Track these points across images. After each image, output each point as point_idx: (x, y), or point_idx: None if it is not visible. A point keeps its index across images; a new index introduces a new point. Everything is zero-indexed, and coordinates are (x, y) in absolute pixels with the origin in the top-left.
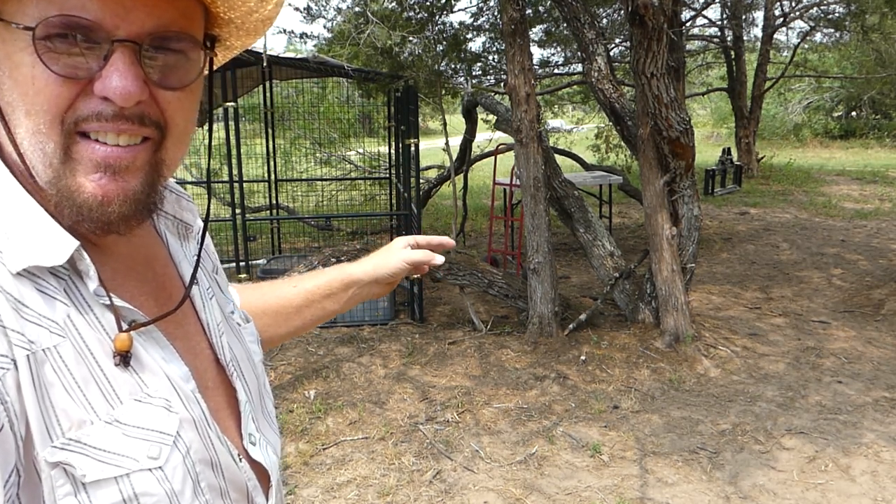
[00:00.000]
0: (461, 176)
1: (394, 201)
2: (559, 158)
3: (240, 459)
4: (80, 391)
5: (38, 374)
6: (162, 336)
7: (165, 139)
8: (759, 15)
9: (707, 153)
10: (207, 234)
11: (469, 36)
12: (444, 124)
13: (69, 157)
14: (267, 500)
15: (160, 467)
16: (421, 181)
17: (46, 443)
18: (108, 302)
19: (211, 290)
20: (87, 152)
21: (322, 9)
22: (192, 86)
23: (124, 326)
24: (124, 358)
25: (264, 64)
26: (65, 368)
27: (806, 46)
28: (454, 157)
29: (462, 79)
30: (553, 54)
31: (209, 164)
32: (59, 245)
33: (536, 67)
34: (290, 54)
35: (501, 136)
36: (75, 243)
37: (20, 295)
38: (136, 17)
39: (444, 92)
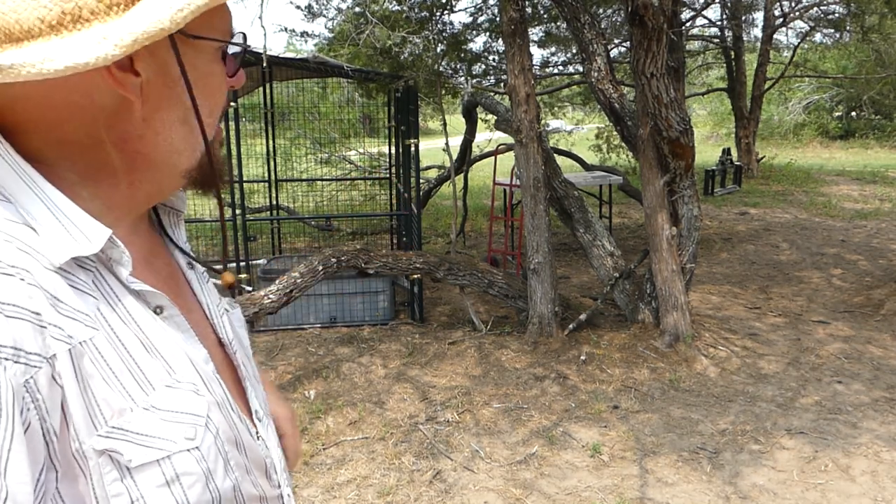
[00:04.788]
0: (461, 176)
1: (394, 201)
2: (559, 159)
3: (257, 437)
4: (117, 380)
5: (80, 367)
6: (184, 320)
7: None
8: (758, 15)
9: (707, 153)
10: (183, 224)
11: (469, 36)
12: (444, 124)
13: None
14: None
15: (197, 447)
16: (421, 181)
17: (92, 432)
18: (138, 289)
19: (206, 274)
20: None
21: (323, 7)
22: None
23: (153, 310)
24: (233, 290)
25: (264, 64)
26: (101, 359)
27: (806, 46)
28: (454, 157)
29: (462, 79)
30: (553, 54)
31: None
32: (93, 234)
33: (536, 68)
34: (291, 54)
35: (501, 136)
36: (108, 231)
37: (55, 290)
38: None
39: (444, 92)
